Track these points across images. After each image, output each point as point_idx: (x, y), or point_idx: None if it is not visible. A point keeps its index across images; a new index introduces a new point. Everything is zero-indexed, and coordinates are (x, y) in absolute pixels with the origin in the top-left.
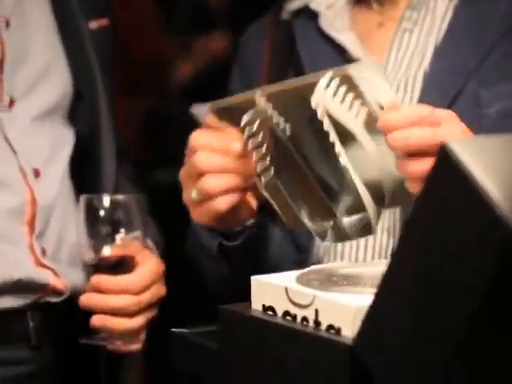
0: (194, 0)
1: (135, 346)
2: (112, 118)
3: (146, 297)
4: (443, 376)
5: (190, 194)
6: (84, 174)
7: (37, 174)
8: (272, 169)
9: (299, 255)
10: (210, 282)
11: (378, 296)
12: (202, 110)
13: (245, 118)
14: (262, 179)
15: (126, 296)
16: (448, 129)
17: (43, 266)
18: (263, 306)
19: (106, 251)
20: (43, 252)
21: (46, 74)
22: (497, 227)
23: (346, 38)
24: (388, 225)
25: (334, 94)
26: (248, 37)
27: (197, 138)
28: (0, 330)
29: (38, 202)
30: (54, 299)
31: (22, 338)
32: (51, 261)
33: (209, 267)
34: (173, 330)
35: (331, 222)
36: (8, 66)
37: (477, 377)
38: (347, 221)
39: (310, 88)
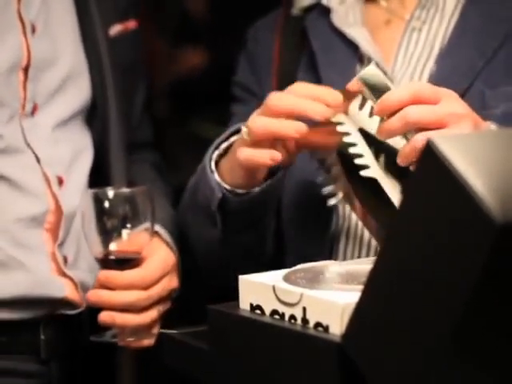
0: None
1: (147, 342)
2: (121, 124)
3: (156, 291)
4: (433, 373)
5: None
6: (94, 177)
7: (60, 181)
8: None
9: None
10: (200, 249)
11: (364, 293)
12: None
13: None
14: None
15: (136, 291)
16: (448, 104)
17: (64, 275)
18: (251, 305)
19: (114, 246)
20: (65, 260)
21: (68, 80)
22: (481, 220)
23: (358, 33)
24: None
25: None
26: (256, 31)
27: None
28: (10, 341)
29: (63, 211)
30: (68, 311)
31: (31, 350)
32: (71, 269)
33: (201, 228)
34: (162, 330)
35: None
36: (32, 71)
37: (467, 375)
38: None
39: None
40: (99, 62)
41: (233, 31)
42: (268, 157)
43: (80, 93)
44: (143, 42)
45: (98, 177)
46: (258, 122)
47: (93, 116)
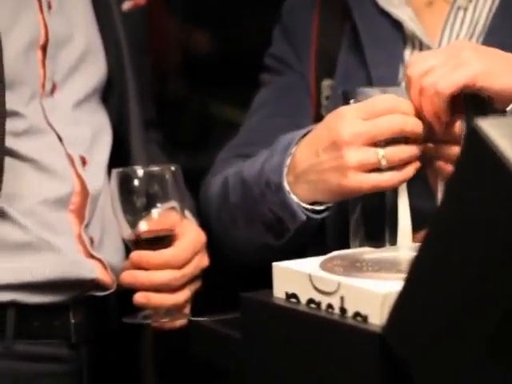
0: None
1: (180, 322)
2: (139, 101)
3: (189, 269)
4: (483, 363)
5: (367, 157)
6: (113, 156)
7: (83, 162)
8: None
9: None
10: (247, 251)
11: (407, 281)
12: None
13: None
14: None
15: (169, 270)
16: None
17: (92, 256)
18: (286, 293)
19: (144, 226)
20: (91, 241)
21: (84, 58)
22: None
23: (403, 13)
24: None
25: None
26: (292, 6)
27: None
28: (43, 326)
29: (89, 191)
30: (99, 293)
31: (62, 335)
32: (98, 251)
33: (257, 237)
34: (192, 318)
35: None
36: (50, 49)
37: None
38: None
39: None
40: (116, 38)
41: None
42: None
43: (96, 70)
44: (155, 21)
45: (116, 156)
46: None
47: (108, 94)
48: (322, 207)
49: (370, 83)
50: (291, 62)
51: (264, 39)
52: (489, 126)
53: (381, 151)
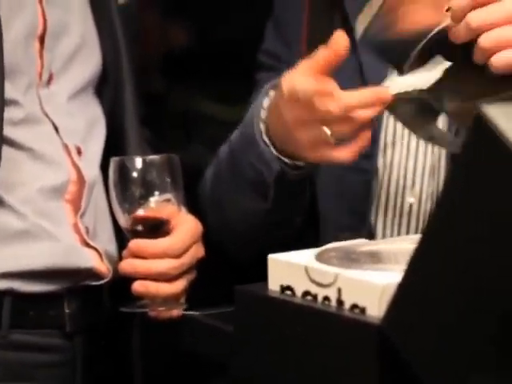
0: None
1: (176, 312)
2: (135, 93)
3: (187, 259)
4: (485, 356)
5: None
6: (107, 149)
7: (79, 151)
8: None
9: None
10: (239, 222)
11: (408, 272)
12: None
13: None
14: None
15: (168, 259)
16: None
17: (88, 245)
18: (281, 286)
19: (142, 214)
20: (87, 231)
21: (80, 49)
22: None
23: None
24: (432, 190)
25: None
26: None
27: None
28: (38, 315)
29: (86, 180)
30: (94, 283)
31: (56, 324)
32: (93, 240)
33: (246, 201)
34: (184, 312)
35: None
36: (48, 40)
37: None
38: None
39: None
40: (112, 30)
41: (233, 6)
42: None
43: (91, 62)
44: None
45: (111, 148)
46: None
47: (103, 85)
48: (302, 163)
49: (360, 72)
50: (284, 56)
51: (248, 35)
52: (496, 113)
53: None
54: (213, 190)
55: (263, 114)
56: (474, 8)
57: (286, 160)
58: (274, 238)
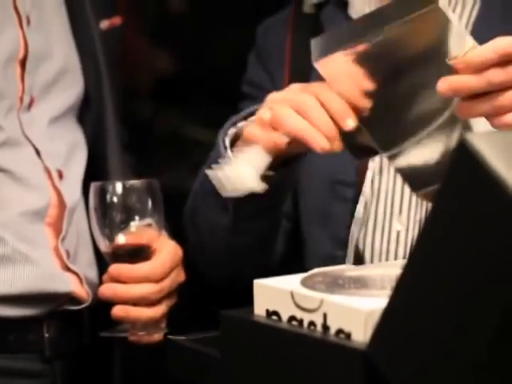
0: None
1: (157, 336)
2: (117, 118)
3: (167, 284)
4: (472, 382)
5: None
6: (89, 174)
7: (60, 175)
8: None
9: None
10: (207, 238)
11: (393, 298)
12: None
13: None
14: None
15: (148, 284)
16: None
17: (68, 269)
18: (267, 310)
19: (122, 239)
20: (68, 255)
21: (61, 75)
22: None
23: None
24: (420, 217)
25: None
26: (266, 29)
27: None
28: (17, 340)
29: (66, 204)
30: (73, 307)
31: (35, 349)
32: (73, 264)
33: (211, 215)
34: (169, 336)
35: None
36: (29, 64)
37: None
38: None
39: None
40: (94, 56)
41: (219, 32)
42: (268, 139)
43: (73, 87)
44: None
45: (92, 173)
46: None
47: (85, 111)
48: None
49: None
50: (267, 86)
51: (235, 61)
52: (479, 141)
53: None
54: (191, 209)
55: (232, 130)
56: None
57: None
58: (255, 266)
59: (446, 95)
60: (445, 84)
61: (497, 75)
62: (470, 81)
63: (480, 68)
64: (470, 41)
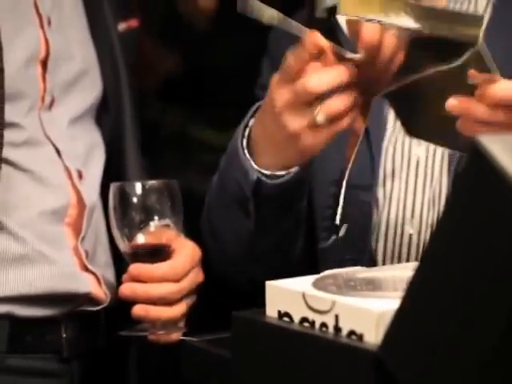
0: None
1: (176, 336)
2: (135, 120)
3: (186, 283)
4: (484, 383)
5: (303, 121)
6: (108, 175)
7: (80, 175)
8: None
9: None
10: (230, 243)
11: (405, 299)
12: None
13: None
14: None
15: (168, 284)
16: None
17: (87, 270)
18: (279, 312)
19: (141, 239)
20: (86, 255)
21: (81, 75)
22: None
23: None
24: (432, 221)
25: None
26: (279, 35)
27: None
28: (35, 340)
29: (86, 204)
30: (91, 308)
31: (53, 349)
32: (92, 264)
33: (232, 219)
34: (182, 337)
35: None
36: (50, 64)
37: None
38: None
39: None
40: (113, 58)
41: (229, 35)
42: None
43: (92, 89)
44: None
45: (110, 173)
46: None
47: (103, 111)
48: (283, 172)
49: None
50: None
51: (246, 62)
52: (490, 142)
53: (317, 109)
54: (208, 218)
55: (247, 131)
56: None
57: (263, 170)
58: (272, 267)
59: (453, 112)
60: (455, 103)
61: (510, 117)
62: (483, 112)
63: (497, 104)
64: (495, 69)
